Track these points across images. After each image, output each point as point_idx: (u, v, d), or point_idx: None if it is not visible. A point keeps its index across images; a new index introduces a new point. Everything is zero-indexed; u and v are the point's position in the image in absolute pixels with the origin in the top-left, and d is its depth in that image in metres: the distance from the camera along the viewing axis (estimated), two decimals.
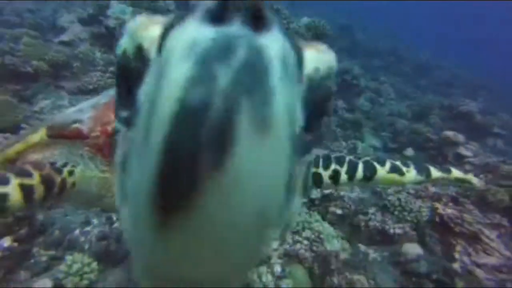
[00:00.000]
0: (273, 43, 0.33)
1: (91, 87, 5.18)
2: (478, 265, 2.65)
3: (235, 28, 0.31)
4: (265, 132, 0.30)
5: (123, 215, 0.42)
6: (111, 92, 1.23)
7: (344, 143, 7.47)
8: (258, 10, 0.31)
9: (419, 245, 3.00)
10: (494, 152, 6.60)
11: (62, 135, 1.15)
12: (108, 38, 6.72)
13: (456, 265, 2.78)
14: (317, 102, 0.46)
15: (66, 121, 1.18)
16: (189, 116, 0.29)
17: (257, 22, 0.32)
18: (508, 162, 4.08)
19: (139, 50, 0.42)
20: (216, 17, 0.31)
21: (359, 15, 20.43)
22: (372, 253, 3.04)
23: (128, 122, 0.45)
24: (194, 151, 0.28)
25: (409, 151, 6.97)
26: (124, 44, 0.45)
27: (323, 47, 0.50)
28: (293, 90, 0.36)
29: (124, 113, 0.47)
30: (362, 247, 3.12)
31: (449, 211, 3.07)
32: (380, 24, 22.12)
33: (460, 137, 5.40)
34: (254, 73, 0.31)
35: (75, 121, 1.15)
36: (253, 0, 0.31)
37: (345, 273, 2.74)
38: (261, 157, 0.31)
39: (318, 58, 0.47)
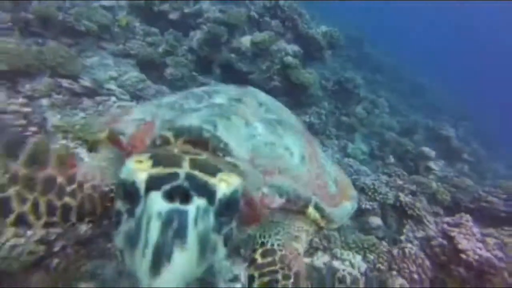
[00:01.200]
0: (191, 208, 0.73)
1: (132, 52, 5.92)
2: (416, 238, 3.67)
3: (176, 204, 0.72)
4: (184, 249, 0.68)
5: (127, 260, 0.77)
6: (153, 109, 1.39)
7: (336, 142, 8.49)
8: (185, 196, 0.72)
9: (380, 219, 4.03)
10: (459, 173, 7.80)
11: (114, 142, 1.32)
12: (145, 10, 7.41)
13: (402, 237, 3.82)
14: (228, 207, 0.81)
15: (118, 129, 1.32)
16: (158, 244, 0.69)
17: (185, 200, 0.72)
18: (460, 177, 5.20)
19: (133, 183, 0.77)
20: (169, 198, 0.72)
21: (373, 29, 21.33)
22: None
23: (128, 211, 0.78)
24: (158, 257, 0.67)
25: (390, 159, 8.04)
26: (125, 176, 0.81)
27: (232, 179, 0.81)
28: (204, 222, 0.73)
29: (126, 206, 0.79)
30: None
31: (407, 199, 4.11)
32: (391, 41, 23.13)
33: (432, 154, 6.49)
34: (180, 225, 0.69)
35: (121, 133, 1.29)
36: (184, 191, 0.72)
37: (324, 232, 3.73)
38: (184, 261, 0.68)
39: (227, 187, 0.79)
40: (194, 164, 0.79)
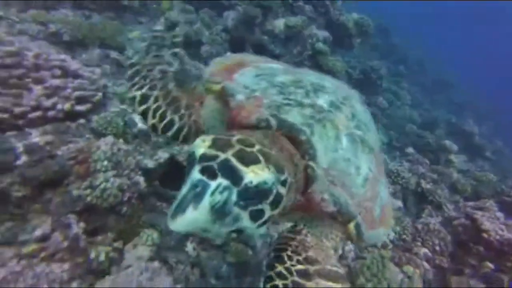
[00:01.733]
0: (212, 183, 0.89)
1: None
2: (428, 222, 3.89)
3: (204, 177, 0.91)
4: (195, 209, 0.87)
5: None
6: (265, 84, 1.50)
7: None
8: (214, 174, 0.90)
9: (401, 201, 4.29)
10: (481, 170, 7.85)
11: (223, 98, 1.46)
12: None
13: (420, 220, 4.06)
14: (256, 193, 0.95)
15: (230, 89, 1.45)
16: (181, 199, 0.91)
17: (213, 177, 0.90)
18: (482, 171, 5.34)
19: (193, 154, 0.98)
20: (202, 172, 0.92)
21: (402, 20, 20.76)
22: None
23: (187, 173, 0.98)
24: (177, 208, 0.90)
25: (410, 149, 8.17)
26: (192, 148, 1.01)
27: (262, 173, 0.94)
28: (223, 196, 0.89)
29: (188, 169, 1.00)
30: None
31: (428, 186, 4.33)
32: (419, 32, 22.45)
33: (454, 147, 6.60)
34: (200, 192, 0.88)
35: (231, 94, 1.41)
36: (213, 170, 0.91)
37: None
38: (194, 216, 0.87)
39: (254, 177, 0.92)
40: (237, 153, 0.95)
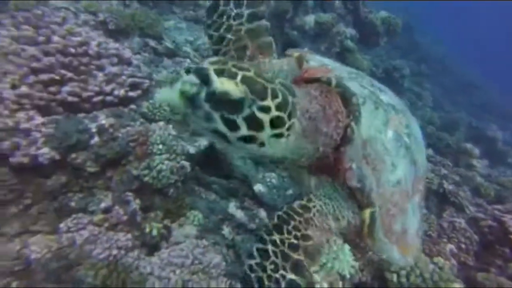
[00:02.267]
0: (185, 76, 1.02)
1: (204, 19, 6.32)
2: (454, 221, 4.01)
3: (183, 73, 1.04)
4: (172, 87, 1.05)
5: None
6: (335, 65, 1.61)
7: None
8: (188, 71, 1.03)
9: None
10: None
11: (299, 61, 1.55)
12: None
13: (442, 220, 4.18)
14: (223, 102, 1.01)
15: (306, 56, 1.57)
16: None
17: (187, 73, 1.02)
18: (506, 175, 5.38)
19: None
20: (186, 71, 1.04)
21: (424, 16, 20.28)
22: None
23: None
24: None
25: (429, 151, 8.20)
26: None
27: (226, 84, 1.01)
28: (192, 89, 0.98)
29: None
30: None
31: (450, 187, 4.44)
32: (443, 30, 21.90)
33: (476, 151, 6.62)
34: (176, 80, 1.13)
35: (307, 59, 1.54)
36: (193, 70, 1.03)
37: None
38: (169, 92, 1.07)
39: (219, 85, 1.00)
40: (220, 68, 1.03)
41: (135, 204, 2.55)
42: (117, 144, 2.59)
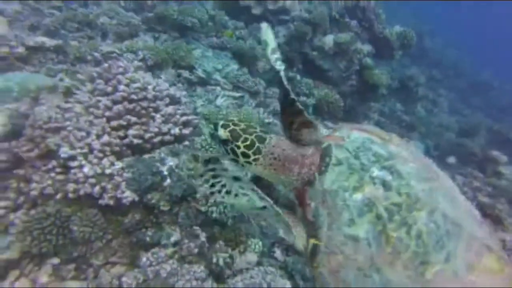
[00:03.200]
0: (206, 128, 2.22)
1: (229, 45, 6.67)
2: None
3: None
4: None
5: None
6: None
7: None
8: (216, 127, 1.67)
9: None
10: None
11: None
12: (234, 5, 8.11)
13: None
14: (222, 140, 1.64)
15: None
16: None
17: (216, 129, 1.67)
18: None
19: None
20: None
21: (432, 20, 20.40)
22: None
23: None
24: None
25: (451, 159, 8.27)
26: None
27: (222, 133, 1.63)
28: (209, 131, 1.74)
29: None
30: None
31: (486, 199, 4.57)
32: (452, 33, 21.89)
33: (504, 158, 6.69)
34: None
35: None
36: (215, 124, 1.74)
37: None
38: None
39: (222, 132, 1.63)
40: (232, 130, 1.60)
41: (203, 237, 2.80)
42: (183, 182, 2.86)
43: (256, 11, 8.06)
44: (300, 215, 1.57)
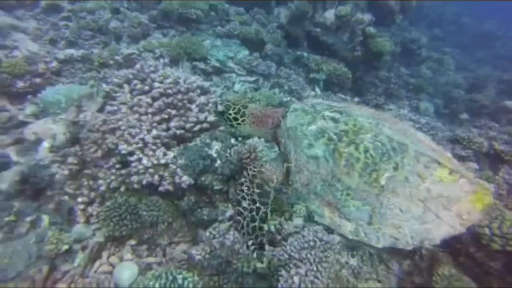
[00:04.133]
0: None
1: (236, 32, 6.82)
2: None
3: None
4: None
5: None
6: None
7: (407, 102, 9.04)
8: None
9: (476, 164, 4.82)
10: None
11: None
12: None
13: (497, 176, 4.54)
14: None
15: None
16: None
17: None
18: None
19: None
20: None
21: None
22: None
23: None
24: None
25: (464, 115, 8.42)
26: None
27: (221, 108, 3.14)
28: None
29: None
30: None
31: (502, 147, 4.80)
32: None
33: None
34: None
35: None
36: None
37: None
38: None
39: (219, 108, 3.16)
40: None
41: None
42: (230, 162, 3.18)
43: None
44: (279, 150, 2.14)
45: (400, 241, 1.38)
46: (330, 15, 7.19)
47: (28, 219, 2.84)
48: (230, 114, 1.92)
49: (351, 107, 1.97)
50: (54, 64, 4.19)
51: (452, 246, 2.92)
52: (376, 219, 1.38)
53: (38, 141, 3.32)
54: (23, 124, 3.68)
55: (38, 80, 4.04)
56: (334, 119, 1.62)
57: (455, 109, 9.03)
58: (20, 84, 3.90)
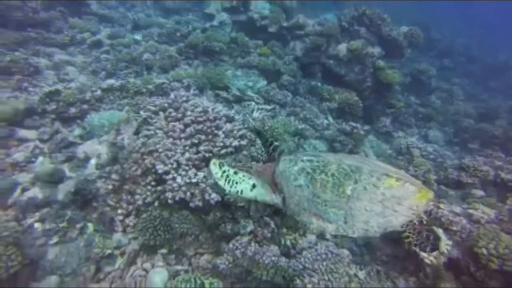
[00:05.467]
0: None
1: (254, 63, 7.46)
2: None
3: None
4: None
5: None
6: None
7: (416, 130, 9.36)
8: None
9: (483, 192, 5.04)
10: None
11: None
12: (250, 25, 8.97)
13: (506, 206, 4.76)
14: None
15: None
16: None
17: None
18: None
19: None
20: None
21: (437, 11, 20.62)
22: (450, 191, 5.19)
23: None
24: None
25: (473, 144, 8.63)
26: None
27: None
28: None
29: None
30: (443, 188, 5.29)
31: (509, 176, 5.04)
32: (459, 21, 21.82)
33: None
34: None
35: None
36: None
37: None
38: None
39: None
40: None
41: (273, 225, 3.51)
42: None
43: (272, 29, 8.88)
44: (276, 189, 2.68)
45: (370, 231, 1.98)
46: (342, 48, 7.78)
47: (78, 226, 3.30)
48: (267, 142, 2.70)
49: (322, 154, 2.70)
50: (99, 92, 4.83)
51: (455, 265, 3.19)
52: (349, 218, 1.98)
53: (87, 159, 3.84)
54: (72, 144, 4.24)
55: (85, 106, 4.66)
56: (309, 160, 2.32)
57: (466, 138, 9.25)
58: (72, 110, 4.53)
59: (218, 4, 10.00)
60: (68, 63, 5.91)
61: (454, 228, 3.41)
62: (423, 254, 3.10)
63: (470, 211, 4.19)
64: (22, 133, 4.29)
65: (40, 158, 4.00)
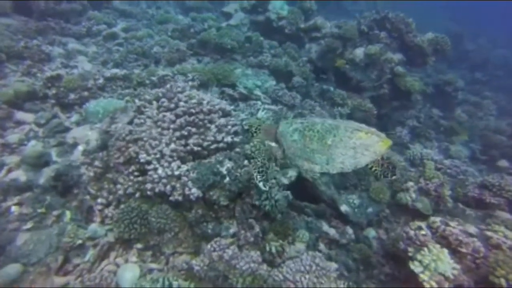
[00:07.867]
0: None
1: (266, 63, 7.24)
2: None
3: None
4: None
5: None
6: None
7: (436, 144, 8.73)
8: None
9: (509, 214, 4.48)
10: None
11: None
12: (267, 26, 8.78)
13: None
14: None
15: None
16: None
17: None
18: None
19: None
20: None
21: (474, 21, 19.55)
22: (468, 211, 4.65)
23: None
24: None
25: (503, 162, 7.90)
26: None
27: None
28: None
29: None
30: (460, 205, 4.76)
31: None
32: (500, 32, 20.63)
33: None
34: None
35: None
36: None
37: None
38: None
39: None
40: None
41: (258, 228, 3.22)
42: (239, 181, 3.33)
43: (289, 30, 8.64)
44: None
45: (344, 168, 2.52)
46: (359, 52, 7.40)
47: (55, 213, 3.18)
48: (251, 130, 3.00)
49: (312, 117, 3.32)
50: (101, 80, 4.78)
51: None
52: (330, 161, 2.56)
53: (75, 145, 3.75)
54: (68, 129, 4.18)
55: (85, 93, 4.63)
56: (301, 122, 2.76)
57: (495, 156, 8.51)
58: (71, 96, 4.49)
59: (237, 4, 9.94)
60: (81, 52, 5.96)
61: (464, 250, 2.96)
62: (424, 277, 2.69)
63: (488, 233, 3.68)
64: (21, 115, 4.29)
65: (33, 142, 3.95)
